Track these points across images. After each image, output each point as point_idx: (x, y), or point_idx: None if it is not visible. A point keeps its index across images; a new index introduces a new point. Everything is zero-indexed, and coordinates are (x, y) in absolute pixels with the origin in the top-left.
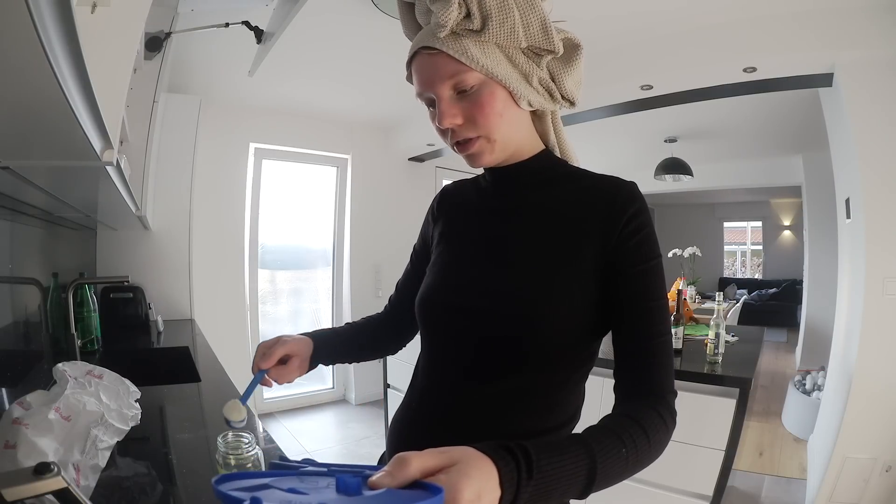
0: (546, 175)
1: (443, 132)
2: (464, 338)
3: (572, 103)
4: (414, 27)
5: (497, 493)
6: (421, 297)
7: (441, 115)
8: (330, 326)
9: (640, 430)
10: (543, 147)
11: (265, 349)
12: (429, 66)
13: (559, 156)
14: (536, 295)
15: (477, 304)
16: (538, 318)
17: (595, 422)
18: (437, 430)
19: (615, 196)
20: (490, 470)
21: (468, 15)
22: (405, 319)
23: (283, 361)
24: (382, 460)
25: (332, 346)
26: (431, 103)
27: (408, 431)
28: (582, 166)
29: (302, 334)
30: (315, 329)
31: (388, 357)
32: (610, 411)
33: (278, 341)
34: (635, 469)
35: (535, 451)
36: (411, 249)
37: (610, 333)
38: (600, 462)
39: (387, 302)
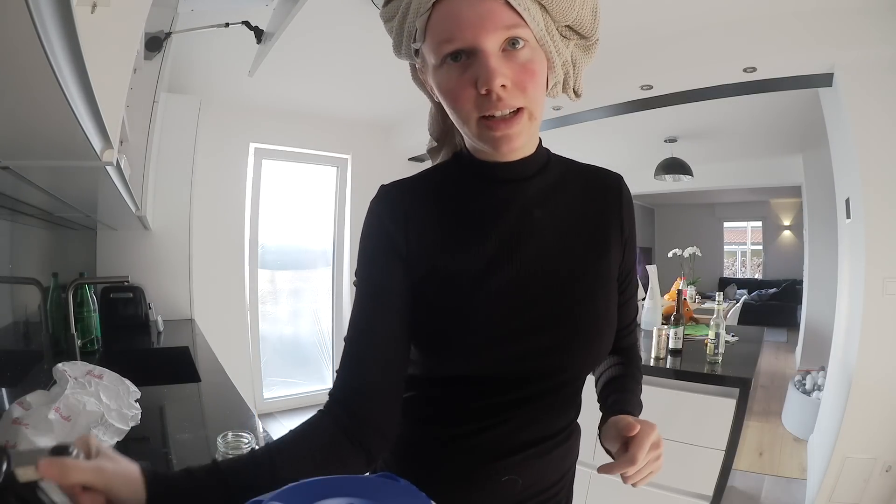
0: (548, 170)
1: (470, 100)
2: (521, 374)
3: (579, 95)
4: None
5: None
6: (468, 346)
7: (491, 72)
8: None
9: (639, 377)
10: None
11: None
12: (479, 8)
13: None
14: (590, 318)
15: (537, 342)
16: (594, 340)
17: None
18: (495, 455)
19: (621, 194)
20: None
21: None
22: (383, 405)
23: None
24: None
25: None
26: (456, 56)
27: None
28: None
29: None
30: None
31: None
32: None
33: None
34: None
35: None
36: None
37: None
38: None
39: (330, 390)
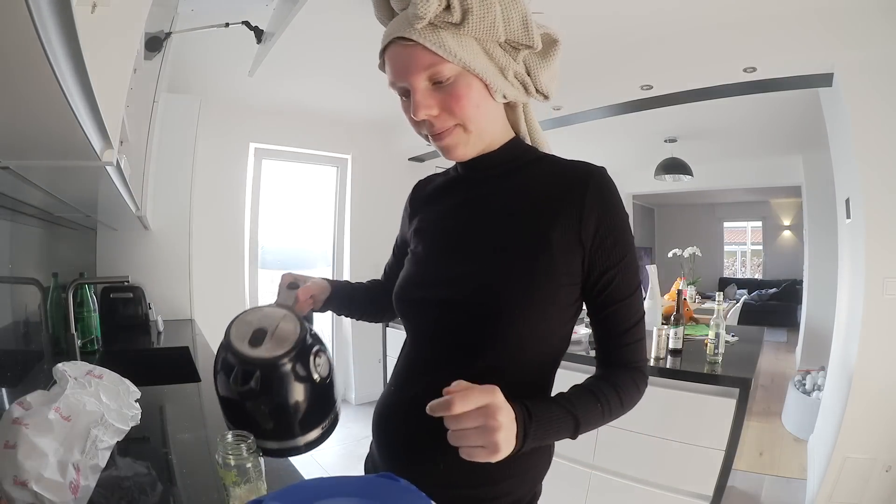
0: (516, 162)
1: (417, 123)
2: (435, 328)
3: (546, 97)
4: (386, 11)
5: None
6: (395, 292)
7: (416, 106)
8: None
9: (615, 394)
10: (513, 135)
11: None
12: (404, 56)
13: (530, 144)
14: (496, 281)
15: (442, 295)
16: (500, 304)
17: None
18: (414, 415)
19: (587, 184)
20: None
21: (448, 7)
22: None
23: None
24: (371, 458)
25: (347, 296)
26: (405, 93)
27: (388, 414)
28: None
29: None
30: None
31: (388, 357)
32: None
33: (301, 284)
34: (610, 419)
35: (535, 412)
36: None
37: (587, 324)
38: (583, 418)
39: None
